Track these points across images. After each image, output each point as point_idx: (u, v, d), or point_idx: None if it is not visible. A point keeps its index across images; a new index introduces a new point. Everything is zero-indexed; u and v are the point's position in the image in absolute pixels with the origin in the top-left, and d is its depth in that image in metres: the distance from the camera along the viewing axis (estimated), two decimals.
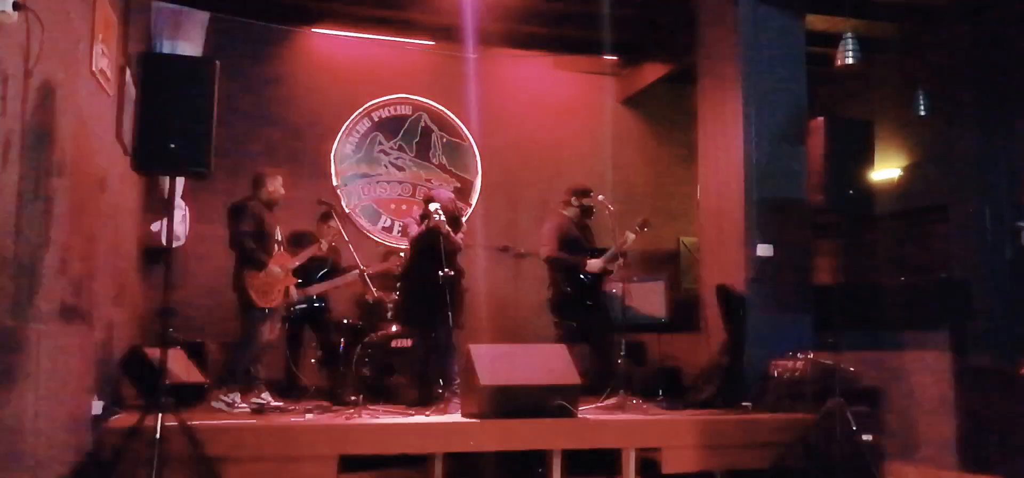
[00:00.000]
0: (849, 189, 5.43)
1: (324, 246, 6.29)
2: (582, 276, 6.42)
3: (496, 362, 5.15)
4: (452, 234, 6.03)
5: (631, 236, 6.30)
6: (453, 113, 8.89)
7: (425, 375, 6.04)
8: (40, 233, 3.45)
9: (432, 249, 5.89)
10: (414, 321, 6.24)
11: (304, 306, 6.49)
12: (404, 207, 8.47)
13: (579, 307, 6.44)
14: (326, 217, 6.62)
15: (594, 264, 6.39)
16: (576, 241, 6.50)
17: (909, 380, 6.00)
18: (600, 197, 6.57)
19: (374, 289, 6.70)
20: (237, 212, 5.66)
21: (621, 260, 6.29)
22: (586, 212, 6.58)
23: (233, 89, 7.46)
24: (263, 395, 5.63)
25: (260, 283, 5.58)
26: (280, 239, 5.93)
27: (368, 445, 4.68)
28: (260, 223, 5.67)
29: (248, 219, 5.61)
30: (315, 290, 6.60)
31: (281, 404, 5.62)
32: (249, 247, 5.56)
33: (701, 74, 7.07)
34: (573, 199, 6.57)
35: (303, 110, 8.34)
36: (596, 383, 6.13)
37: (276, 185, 5.83)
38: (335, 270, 6.81)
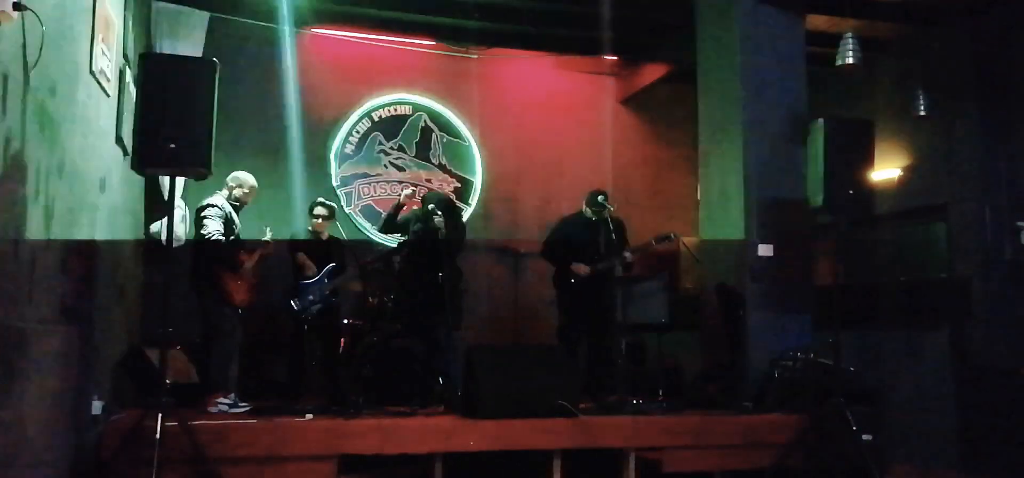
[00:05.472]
0: (849, 189, 5.43)
1: (271, 247, 6.23)
2: (571, 280, 6.49)
3: (496, 362, 5.15)
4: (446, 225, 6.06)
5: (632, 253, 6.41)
6: (453, 113, 8.89)
7: (425, 375, 6.03)
8: (40, 233, 3.45)
9: (431, 250, 5.89)
10: (414, 321, 6.24)
11: (320, 306, 6.43)
12: (404, 207, 8.44)
13: (569, 305, 6.53)
14: (322, 217, 6.58)
15: (580, 269, 6.43)
16: (576, 242, 6.51)
17: (909, 380, 6.01)
18: (608, 205, 6.51)
19: (362, 286, 6.66)
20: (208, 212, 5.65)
21: (620, 268, 6.36)
22: (595, 214, 6.54)
23: (233, 89, 7.44)
24: (230, 397, 5.55)
25: (237, 282, 5.60)
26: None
27: (368, 445, 4.68)
28: (231, 223, 5.68)
29: (219, 219, 5.60)
30: (329, 287, 6.54)
31: (247, 406, 5.54)
32: (226, 247, 5.55)
33: (701, 74, 7.07)
34: (585, 201, 6.64)
35: (303, 111, 8.33)
36: (592, 382, 6.14)
37: (246, 189, 5.84)
38: (341, 267, 6.71)
